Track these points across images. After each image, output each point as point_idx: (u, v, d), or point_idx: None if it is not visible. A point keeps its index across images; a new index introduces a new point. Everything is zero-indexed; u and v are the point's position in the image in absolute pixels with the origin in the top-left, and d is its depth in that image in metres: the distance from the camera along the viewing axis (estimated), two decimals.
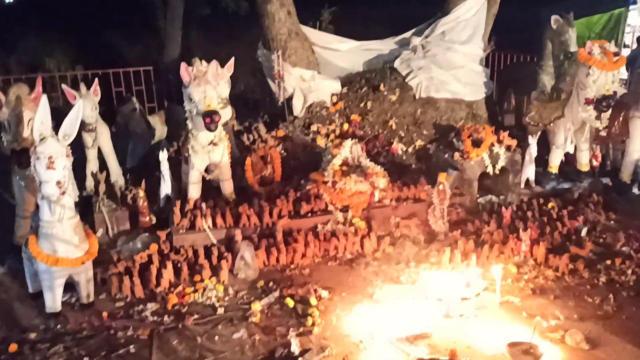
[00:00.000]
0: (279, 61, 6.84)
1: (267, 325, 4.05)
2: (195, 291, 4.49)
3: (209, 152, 5.39)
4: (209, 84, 5.03)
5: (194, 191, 5.55)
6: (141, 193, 5.33)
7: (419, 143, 6.92)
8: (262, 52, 7.36)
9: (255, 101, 9.06)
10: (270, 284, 4.65)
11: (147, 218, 5.39)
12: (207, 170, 5.60)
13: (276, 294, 4.47)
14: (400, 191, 5.95)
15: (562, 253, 4.91)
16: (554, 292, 4.48)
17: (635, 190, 6.51)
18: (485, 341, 3.82)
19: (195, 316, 4.15)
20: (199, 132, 5.25)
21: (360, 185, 5.58)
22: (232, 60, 5.79)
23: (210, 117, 4.92)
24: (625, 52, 13.04)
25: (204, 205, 5.38)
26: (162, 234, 5.11)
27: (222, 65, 5.48)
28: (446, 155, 6.40)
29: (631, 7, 13.44)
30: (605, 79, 5.83)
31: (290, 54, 7.07)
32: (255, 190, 5.90)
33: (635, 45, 12.40)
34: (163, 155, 5.53)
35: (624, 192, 6.47)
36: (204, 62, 5.41)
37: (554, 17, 6.94)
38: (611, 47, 5.90)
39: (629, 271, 4.73)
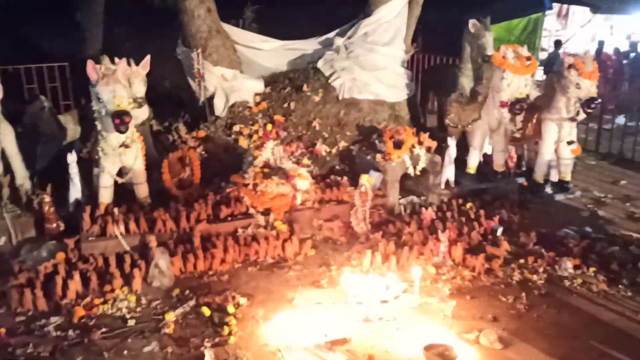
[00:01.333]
0: (199, 59, 6.64)
1: (181, 337, 3.89)
2: (105, 302, 4.25)
3: (121, 155, 5.14)
4: (118, 83, 4.79)
5: (106, 195, 5.28)
6: (47, 198, 5.02)
7: (343, 144, 6.90)
8: (181, 49, 7.13)
9: (180, 100, 8.78)
10: (187, 292, 4.48)
11: (54, 224, 5.09)
12: (120, 173, 5.34)
13: (192, 302, 4.31)
14: (323, 193, 5.91)
15: (479, 253, 5.01)
16: (470, 293, 4.55)
17: (548, 189, 6.75)
18: (403, 345, 3.82)
19: (104, 329, 3.92)
20: (109, 133, 5.00)
21: (282, 187, 5.49)
22: (148, 58, 5.61)
23: (119, 118, 4.69)
24: (543, 55, 13.68)
25: (116, 210, 5.13)
26: (70, 242, 4.83)
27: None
28: (368, 157, 6.41)
29: (547, 12, 14.06)
30: (518, 82, 6.00)
31: (210, 52, 6.88)
32: (172, 194, 5.69)
33: (552, 49, 13.02)
34: (72, 157, 5.24)
35: (538, 192, 6.70)
36: (121, 59, 5.17)
37: (471, 22, 7.09)
38: (524, 51, 6.08)
39: (541, 269, 4.88)
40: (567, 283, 4.70)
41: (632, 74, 12.08)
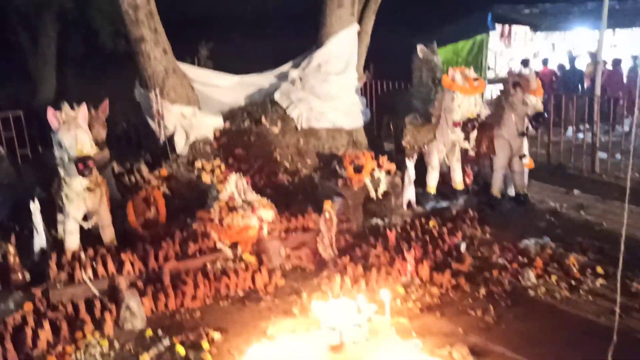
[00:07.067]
0: (157, 99, 6.71)
1: None
2: (77, 349, 4.19)
3: (85, 199, 5.12)
4: (80, 129, 4.80)
5: (72, 242, 5.24)
6: (11, 249, 4.94)
7: (304, 172, 7.02)
8: (139, 91, 7.19)
9: (138, 140, 8.78)
10: (159, 332, 4.46)
11: (20, 275, 5.00)
12: (84, 217, 5.32)
13: (166, 342, 4.28)
14: (288, 222, 5.99)
15: (444, 270, 5.15)
16: (439, 309, 4.66)
17: (505, 204, 6.98)
18: None
19: None
20: (72, 178, 4.98)
21: (247, 219, 5.55)
22: (107, 101, 5.64)
23: (83, 163, 4.70)
24: (490, 74, 14.15)
25: (82, 255, 5.08)
26: (37, 291, 4.75)
27: (97, 106, 5.27)
28: (330, 183, 6.54)
29: (491, 32, 14.62)
30: (468, 102, 6.26)
31: (168, 92, 6.95)
32: (139, 234, 5.68)
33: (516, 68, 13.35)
34: (34, 206, 5.18)
35: (496, 206, 6.93)
36: (80, 105, 5.19)
37: (419, 47, 7.39)
38: (471, 72, 6.36)
39: (505, 281, 5.04)
40: (531, 293, 4.86)
41: (565, 86, 12.38)
